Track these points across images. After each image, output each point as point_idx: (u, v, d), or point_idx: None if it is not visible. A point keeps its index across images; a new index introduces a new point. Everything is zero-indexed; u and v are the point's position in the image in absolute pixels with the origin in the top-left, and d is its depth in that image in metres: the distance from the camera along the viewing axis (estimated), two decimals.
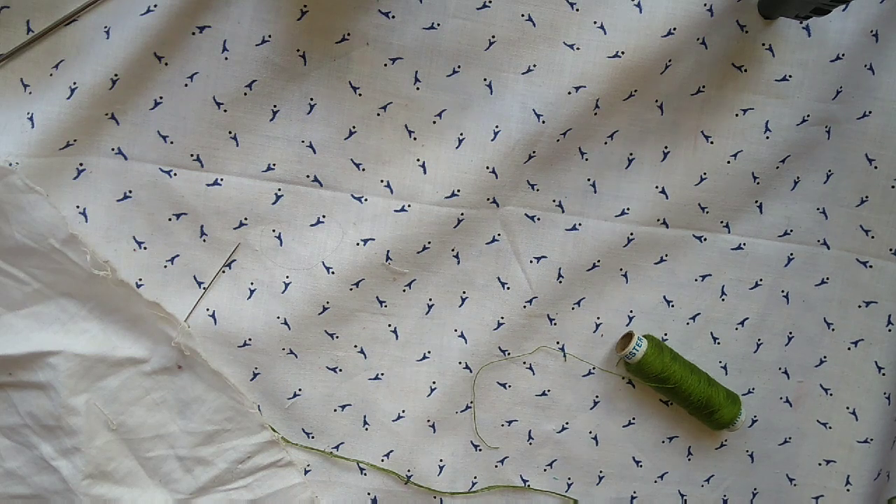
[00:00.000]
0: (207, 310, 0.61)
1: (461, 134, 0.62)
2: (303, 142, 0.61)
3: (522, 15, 0.60)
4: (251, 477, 0.64)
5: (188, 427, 0.62)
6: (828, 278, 0.70)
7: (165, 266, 0.61)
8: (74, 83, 0.55)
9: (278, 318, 0.63)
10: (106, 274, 0.57)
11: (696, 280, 0.69)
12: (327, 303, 0.63)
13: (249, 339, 0.62)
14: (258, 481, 0.64)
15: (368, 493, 0.67)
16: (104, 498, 0.61)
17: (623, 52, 0.60)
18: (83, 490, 0.60)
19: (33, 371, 0.58)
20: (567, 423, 0.69)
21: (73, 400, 0.59)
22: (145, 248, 0.60)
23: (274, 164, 0.61)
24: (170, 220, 0.59)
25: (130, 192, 0.59)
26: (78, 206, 0.58)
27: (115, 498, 0.61)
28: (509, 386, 0.68)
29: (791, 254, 0.69)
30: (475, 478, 0.69)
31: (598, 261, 0.67)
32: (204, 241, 0.61)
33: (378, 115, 0.61)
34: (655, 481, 0.71)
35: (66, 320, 0.59)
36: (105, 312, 0.60)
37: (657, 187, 0.66)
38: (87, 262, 0.57)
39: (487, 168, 0.62)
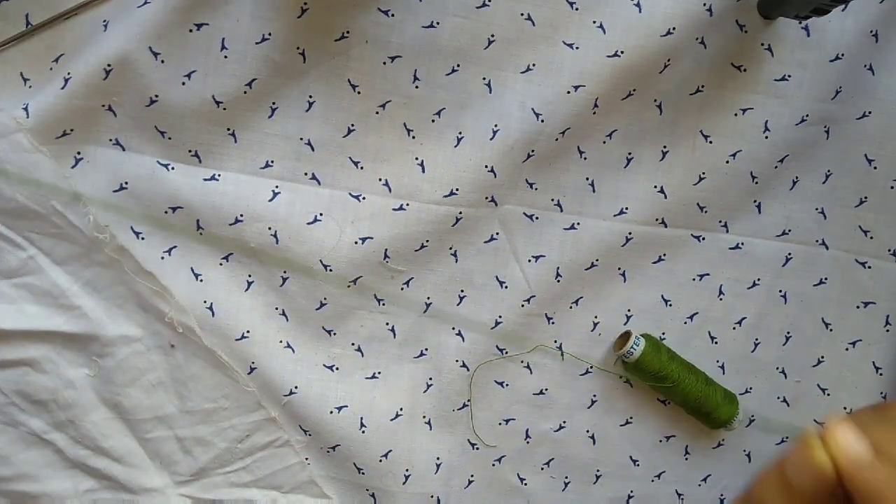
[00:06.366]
0: (205, 302, 0.61)
1: (460, 133, 0.62)
2: (301, 139, 0.61)
3: (522, 14, 0.60)
4: (250, 458, 0.64)
5: (186, 406, 0.62)
6: (826, 278, 0.70)
7: (163, 257, 0.61)
8: (69, 73, 0.55)
9: (276, 308, 0.63)
10: (105, 237, 0.58)
11: (694, 279, 0.69)
12: (325, 298, 0.63)
13: (248, 332, 0.62)
14: (257, 462, 0.64)
15: (367, 490, 0.67)
16: (102, 473, 0.61)
17: (622, 52, 0.60)
18: (81, 460, 0.60)
19: (24, 347, 0.58)
20: (564, 422, 0.69)
21: (69, 372, 0.59)
22: (143, 239, 0.60)
23: (272, 161, 0.61)
24: (166, 212, 0.59)
25: (126, 183, 0.58)
26: None
27: (113, 475, 0.61)
28: (507, 384, 0.68)
29: (789, 254, 0.69)
30: (472, 476, 0.69)
31: (597, 260, 0.67)
32: (201, 234, 0.60)
33: (377, 113, 0.61)
34: (652, 480, 0.71)
35: (58, 294, 0.58)
36: (97, 289, 0.59)
37: (656, 187, 0.66)
38: (88, 223, 0.57)
39: (486, 167, 0.62)
